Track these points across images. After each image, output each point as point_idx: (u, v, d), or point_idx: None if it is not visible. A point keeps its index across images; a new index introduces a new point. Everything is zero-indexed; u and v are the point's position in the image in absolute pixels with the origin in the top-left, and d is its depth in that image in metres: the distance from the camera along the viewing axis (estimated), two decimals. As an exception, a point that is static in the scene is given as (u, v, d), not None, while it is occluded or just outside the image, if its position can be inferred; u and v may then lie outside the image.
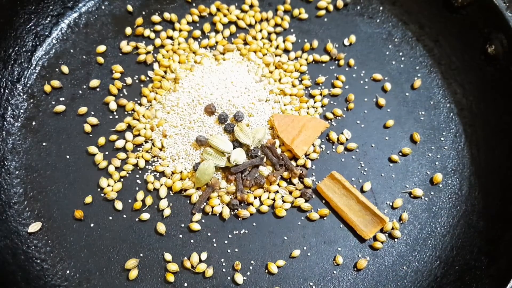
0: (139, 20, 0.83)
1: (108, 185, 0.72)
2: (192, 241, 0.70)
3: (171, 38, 0.83)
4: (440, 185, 0.74)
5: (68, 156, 0.74)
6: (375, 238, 0.70)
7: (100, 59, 0.80)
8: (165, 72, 0.80)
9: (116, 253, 0.69)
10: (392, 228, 0.71)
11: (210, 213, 0.71)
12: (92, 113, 0.77)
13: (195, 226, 0.70)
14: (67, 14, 0.83)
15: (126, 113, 0.77)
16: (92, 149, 0.74)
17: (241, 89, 0.76)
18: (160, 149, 0.74)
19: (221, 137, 0.72)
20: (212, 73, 0.78)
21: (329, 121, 0.78)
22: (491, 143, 0.74)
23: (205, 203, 0.71)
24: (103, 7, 0.84)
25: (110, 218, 0.71)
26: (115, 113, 0.77)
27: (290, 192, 0.72)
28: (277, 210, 0.71)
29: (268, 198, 0.72)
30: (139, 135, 0.75)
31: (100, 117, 0.77)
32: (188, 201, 0.72)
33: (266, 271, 0.69)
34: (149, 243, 0.69)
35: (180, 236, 0.70)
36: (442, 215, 0.72)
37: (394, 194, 0.73)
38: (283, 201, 0.72)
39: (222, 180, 0.72)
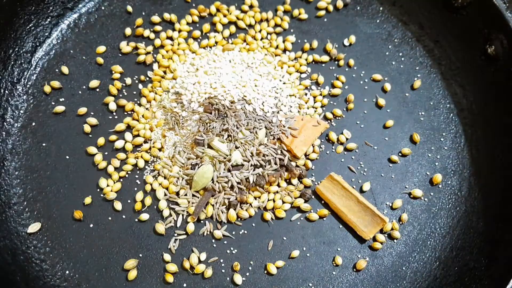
0: (139, 21, 0.83)
1: (108, 186, 0.72)
2: (191, 241, 0.70)
3: (170, 38, 0.83)
4: (440, 186, 0.74)
5: (67, 157, 0.74)
6: (374, 239, 0.70)
7: (100, 60, 0.80)
8: (165, 72, 0.80)
9: (116, 254, 0.69)
10: (392, 229, 0.71)
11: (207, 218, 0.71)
12: (92, 113, 0.77)
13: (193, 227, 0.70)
14: (67, 15, 0.83)
15: (125, 113, 0.77)
16: (92, 149, 0.74)
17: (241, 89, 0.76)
18: (159, 150, 0.74)
19: (220, 138, 0.72)
20: (212, 74, 0.78)
21: (329, 121, 0.78)
22: (491, 143, 0.74)
23: (203, 209, 0.71)
24: (103, 8, 0.84)
25: (110, 218, 0.71)
26: (114, 113, 0.77)
27: (289, 193, 0.72)
28: (276, 211, 0.71)
29: (268, 198, 0.72)
30: (138, 135, 0.75)
31: (100, 117, 0.77)
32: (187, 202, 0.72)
33: (265, 271, 0.69)
34: (148, 244, 0.69)
35: (180, 236, 0.70)
36: (442, 216, 0.72)
37: (394, 194, 0.73)
38: (283, 202, 0.72)
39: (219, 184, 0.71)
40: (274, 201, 0.72)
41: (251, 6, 0.86)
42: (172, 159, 0.73)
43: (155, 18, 0.84)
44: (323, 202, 0.72)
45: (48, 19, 0.81)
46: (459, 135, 0.77)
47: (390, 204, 0.73)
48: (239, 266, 0.68)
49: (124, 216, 0.71)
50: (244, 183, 0.71)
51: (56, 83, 0.78)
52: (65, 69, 0.80)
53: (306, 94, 0.79)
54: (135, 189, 0.73)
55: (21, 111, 0.76)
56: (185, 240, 0.70)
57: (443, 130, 0.77)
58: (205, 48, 0.82)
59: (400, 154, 0.76)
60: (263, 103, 0.76)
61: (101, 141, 0.75)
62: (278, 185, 0.73)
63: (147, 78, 0.80)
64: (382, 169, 0.75)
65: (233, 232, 0.70)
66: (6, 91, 0.76)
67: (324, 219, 0.72)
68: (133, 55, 0.82)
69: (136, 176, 0.73)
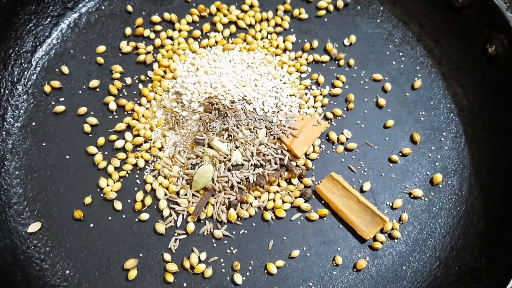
0: (139, 20, 0.83)
1: (108, 185, 0.72)
2: (191, 241, 0.70)
3: (171, 38, 0.83)
4: (440, 186, 0.74)
5: (67, 156, 0.74)
6: (374, 239, 0.70)
7: (100, 59, 0.80)
8: (165, 72, 0.80)
9: (116, 253, 0.69)
10: (392, 229, 0.71)
11: (207, 217, 0.71)
12: (92, 113, 0.77)
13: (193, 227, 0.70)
14: (67, 14, 0.83)
15: (125, 113, 0.77)
16: (92, 149, 0.74)
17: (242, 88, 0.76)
18: (160, 149, 0.74)
19: (220, 138, 0.72)
20: (212, 73, 0.78)
21: (329, 121, 0.77)
22: (491, 143, 0.74)
23: (203, 209, 0.71)
24: (103, 8, 0.84)
25: (110, 218, 0.71)
26: (114, 113, 0.77)
27: (290, 192, 0.72)
28: (276, 211, 0.71)
29: (268, 198, 0.72)
30: (138, 135, 0.75)
31: (100, 117, 0.77)
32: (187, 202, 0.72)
33: (266, 271, 0.68)
34: (149, 243, 0.69)
35: (180, 236, 0.70)
36: (442, 216, 0.72)
37: (394, 194, 0.73)
38: (283, 201, 0.72)
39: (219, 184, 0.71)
40: (274, 200, 0.72)
41: (251, 6, 0.86)
42: (172, 158, 0.73)
43: (155, 18, 0.84)
44: (323, 202, 0.72)
45: (48, 19, 0.81)
46: (460, 135, 0.77)
47: (391, 204, 0.73)
48: (239, 266, 0.68)
49: (124, 216, 0.71)
50: (244, 182, 0.71)
51: (56, 83, 0.78)
52: (65, 69, 0.80)
53: (306, 93, 0.79)
54: (135, 189, 0.73)
55: (21, 111, 0.76)
56: (185, 240, 0.70)
57: (444, 130, 0.77)
58: (205, 47, 0.82)
59: (400, 154, 0.76)
60: (263, 103, 0.76)
61: (101, 140, 0.75)
62: (278, 185, 0.73)
63: (147, 78, 0.80)
64: (383, 169, 0.75)
65: (233, 232, 0.70)
66: (6, 91, 0.76)
67: (324, 219, 0.72)
68: (133, 55, 0.82)
69: (136, 176, 0.73)
